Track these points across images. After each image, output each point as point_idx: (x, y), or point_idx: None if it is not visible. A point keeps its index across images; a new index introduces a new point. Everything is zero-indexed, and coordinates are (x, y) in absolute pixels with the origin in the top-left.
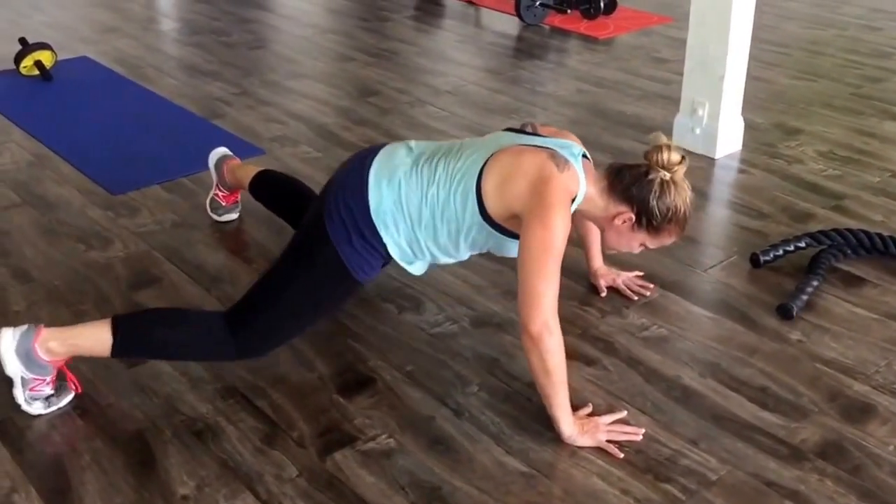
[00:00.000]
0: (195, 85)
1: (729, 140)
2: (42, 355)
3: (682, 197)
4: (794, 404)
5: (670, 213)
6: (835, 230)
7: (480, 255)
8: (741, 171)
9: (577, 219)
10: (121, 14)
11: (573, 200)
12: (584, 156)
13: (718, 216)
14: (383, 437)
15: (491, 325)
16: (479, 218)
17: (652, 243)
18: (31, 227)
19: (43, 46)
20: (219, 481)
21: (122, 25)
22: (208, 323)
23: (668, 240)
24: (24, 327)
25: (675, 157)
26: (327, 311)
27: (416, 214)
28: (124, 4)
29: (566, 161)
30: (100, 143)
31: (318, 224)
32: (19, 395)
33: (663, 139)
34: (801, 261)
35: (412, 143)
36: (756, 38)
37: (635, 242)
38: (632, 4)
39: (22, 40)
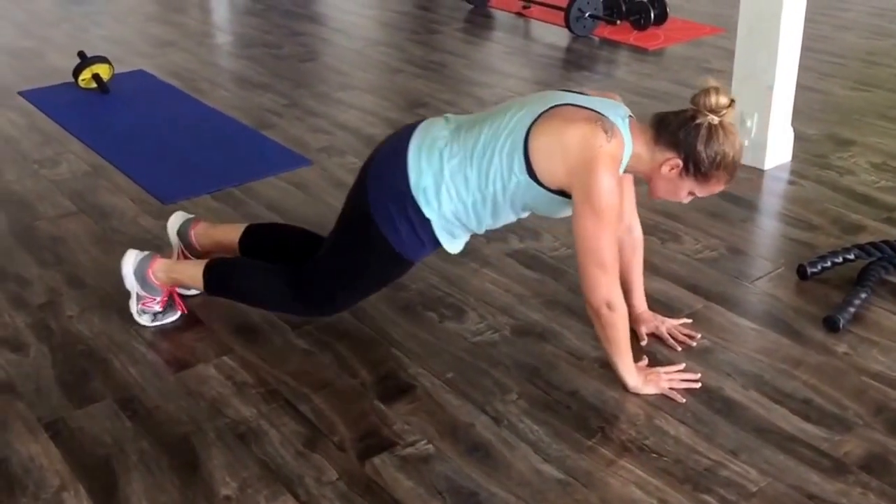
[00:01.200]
0: (246, 97)
1: (778, 151)
2: (153, 280)
3: (730, 142)
4: (839, 417)
5: (718, 158)
6: (885, 242)
7: (522, 265)
8: (791, 183)
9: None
10: (177, 28)
11: (621, 163)
12: (630, 115)
13: (766, 228)
14: (422, 442)
15: (532, 335)
16: (525, 177)
17: (701, 191)
18: (85, 235)
19: (101, 60)
20: (260, 483)
21: (177, 39)
22: (278, 285)
23: (717, 187)
24: (146, 253)
25: (724, 100)
26: (382, 284)
27: (461, 180)
28: (180, 19)
29: (613, 126)
30: (153, 154)
31: (364, 214)
32: (133, 306)
33: (712, 82)
34: (850, 273)
35: (449, 115)
36: (811, 49)
37: (683, 191)
38: (683, 15)
39: (80, 54)
